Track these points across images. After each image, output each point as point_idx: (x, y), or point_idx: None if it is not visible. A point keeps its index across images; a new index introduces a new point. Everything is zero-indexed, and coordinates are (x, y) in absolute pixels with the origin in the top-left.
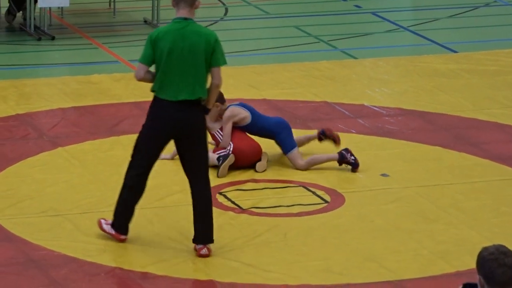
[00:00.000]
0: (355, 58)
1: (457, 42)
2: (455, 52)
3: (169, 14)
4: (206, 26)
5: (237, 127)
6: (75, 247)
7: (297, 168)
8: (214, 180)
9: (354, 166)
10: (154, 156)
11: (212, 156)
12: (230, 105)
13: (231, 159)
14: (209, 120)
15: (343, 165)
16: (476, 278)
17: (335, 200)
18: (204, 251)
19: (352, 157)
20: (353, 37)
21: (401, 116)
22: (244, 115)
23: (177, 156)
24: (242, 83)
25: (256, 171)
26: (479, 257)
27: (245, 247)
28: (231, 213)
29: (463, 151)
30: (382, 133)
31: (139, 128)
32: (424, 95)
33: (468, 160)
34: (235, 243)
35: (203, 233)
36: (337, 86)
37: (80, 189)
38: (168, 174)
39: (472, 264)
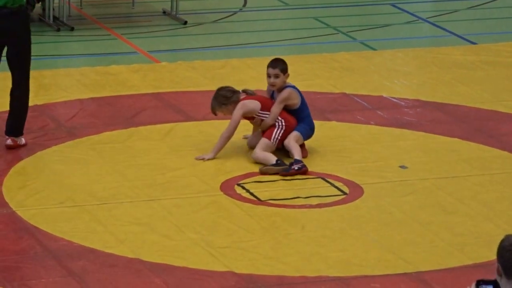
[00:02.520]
0: (374, 49)
1: (476, 34)
2: (474, 43)
3: (188, 5)
4: (225, 17)
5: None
6: (92, 238)
7: (285, 142)
8: (232, 171)
9: (287, 170)
10: None
11: (269, 157)
12: (287, 86)
13: (277, 170)
14: (241, 106)
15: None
16: (493, 270)
17: (353, 191)
18: (9, 141)
19: (296, 167)
20: (372, 28)
21: (419, 108)
22: (297, 100)
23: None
24: (261, 74)
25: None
26: (500, 246)
27: (263, 239)
28: (249, 204)
29: (481, 143)
30: (401, 125)
31: (158, 119)
32: (443, 87)
33: (486, 152)
34: (253, 234)
35: (14, 127)
36: (356, 77)
37: (98, 180)
38: (187, 166)
39: (490, 256)
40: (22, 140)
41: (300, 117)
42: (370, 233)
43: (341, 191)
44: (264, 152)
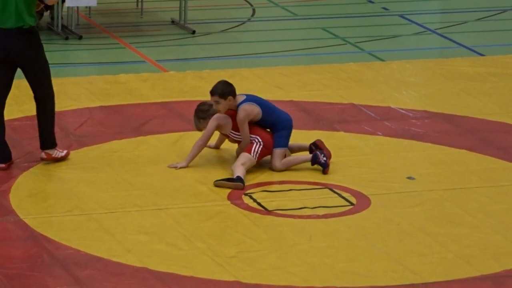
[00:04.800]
0: (382, 60)
1: (484, 45)
2: (482, 55)
3: (196, 14)
4: (234, 27)
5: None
6: (100, 246)
7: (273, 167)
8: None
9: (324, 167)
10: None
11: (237, 171)
12: (241, 104)
13: (238, 186)
14: (215, 117)
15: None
16: (500, 282)
17: (360, 202)
18: (42, 154)
19: (324, 158)
20: (380, 39)
21: (427, 119)
22: (257, 111)
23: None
24: (269, 84)
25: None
26: None
27: (270, 249)
28: (256, 214)
29: (489, 154)
30: (409, 136)
31: (166, 128)
32: (451, 98)
33: (494, 163)
34: (260, 244)
35: (45, 141)
36: (364, 88)
37: (106, 188)
38: (195, 175)
39: (497, 268)
40: (58, 153)
41: (270, 123)
42: (377, 244)
43: (348, 201)
44: (241, 167)
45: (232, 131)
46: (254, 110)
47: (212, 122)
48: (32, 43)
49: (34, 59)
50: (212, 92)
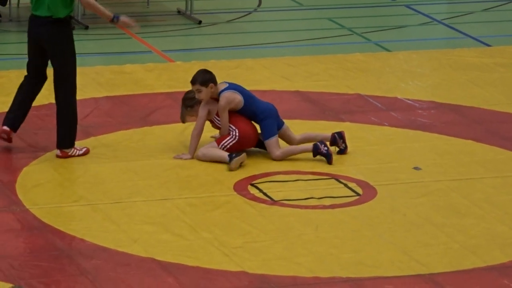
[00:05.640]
0: (388, 50)
1: (491, 36)
2: (489, 45)
3: (202, 4)
4: (240, 17)
5: (231, 111)
6: (106, 236)
7: (272, 157)
8: (245, 171)
9: (327, 157)
10: (31, 62)
11: (221, 154)
12: (223, 91)
13: (243, 157)
14: (203, 104)
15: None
16: (506, 272)
17: (367, 192)
18: (58, 152)
19: (325, 148)
20: (386, 29)
21: (434, 109)
22: (239, 99)
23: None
24: (275, 74)
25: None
26: None
27: (277, 239)
28: (263, 205)
29: (496, 145)
30: (415, 126)
31: (172, 118)
32: (457, 89)
33: (500, 154)
34: (266, 235)
35: (61, 139)
36: (370, 78)
37: (112, 178)
38: (201, 165)
39: (503, 259)
40: (75, 151)
41: (252, 112)
42: (383, 235)
43: (355, 192)
44: (208, 149)
45: (216, 117)
46: (236, 98)
47: (203, 109)
48: (59, 33)
49: (58, 48)
50: (193, 81)
